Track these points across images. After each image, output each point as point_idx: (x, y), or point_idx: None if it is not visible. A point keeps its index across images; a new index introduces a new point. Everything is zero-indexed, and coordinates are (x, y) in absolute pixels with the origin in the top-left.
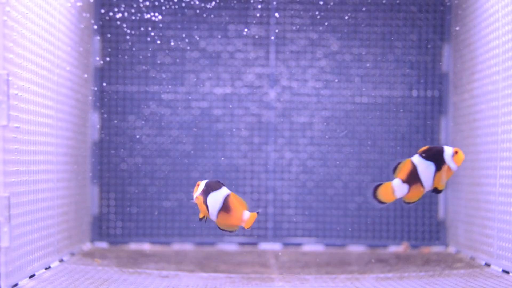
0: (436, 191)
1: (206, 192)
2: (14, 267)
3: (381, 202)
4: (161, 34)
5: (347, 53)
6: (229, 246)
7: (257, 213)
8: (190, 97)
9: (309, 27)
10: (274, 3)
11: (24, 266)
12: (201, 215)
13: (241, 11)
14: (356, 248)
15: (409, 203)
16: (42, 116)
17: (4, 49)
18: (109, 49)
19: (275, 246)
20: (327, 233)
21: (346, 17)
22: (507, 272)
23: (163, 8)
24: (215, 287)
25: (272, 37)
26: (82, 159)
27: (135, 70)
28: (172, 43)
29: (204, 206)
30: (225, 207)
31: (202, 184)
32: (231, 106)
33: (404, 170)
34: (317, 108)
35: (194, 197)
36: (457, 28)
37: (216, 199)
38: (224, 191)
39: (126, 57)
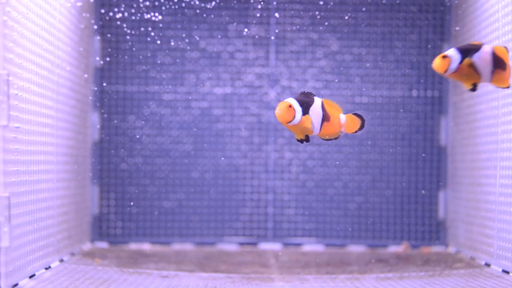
0: None
1: (305, 109)
2: (14, 267)
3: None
4: (161, 34)
5: (347, 53)
6: (229, 246)
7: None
8: (190, 97)
9: (309, 27)
10: (274, 3)
11: (24, 266)
12: (301, 136)
13: (241, 11)
14: (356, 248)
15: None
16: (42, 116)
17: (4, 49)
18: (109, 49)
19: (275, 246)
20: (327, 233)
21: (346, 17)
22: (507, 272)
23: (163, 8)
24: (215, 287)
25: (272, 37)
26: (82, 159)
27: (135, 70)
28: (172, 43)
29: (470, 71)
30: (325, 117)
31: (294, 103)
32: (231, 106)
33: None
34: None
35: (297, 119)
36: (457, 28)
37: (316, 112)
38: (318, 101)
39: (126, 57)
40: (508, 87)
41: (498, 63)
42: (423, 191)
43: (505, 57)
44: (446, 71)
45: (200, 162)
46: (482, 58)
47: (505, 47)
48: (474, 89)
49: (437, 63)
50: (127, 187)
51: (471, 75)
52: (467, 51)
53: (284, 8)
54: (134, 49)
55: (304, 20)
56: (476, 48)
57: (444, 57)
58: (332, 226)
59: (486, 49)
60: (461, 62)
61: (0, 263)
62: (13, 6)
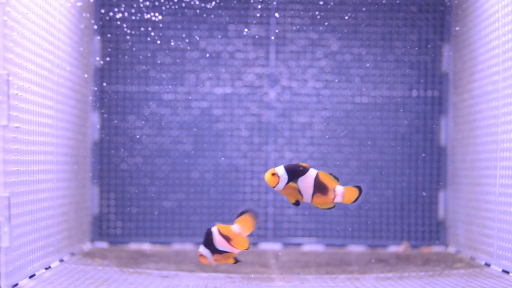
0: None
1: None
2: (14, 267)
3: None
4: (161, 34)
5: (347, 53)
6: None
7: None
8: (190, 97)
9: (309, 27)
10: (274, 3)
11: (24, 266)
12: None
13: (241, 11)
14: (356, 248)
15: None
16: (42, 116)
17: (4, 49)
18: (109, 49)
19: (275, 246)
20: (327, 233)
21: (346, 17)
22: (507, 272)
23: (163, 8)
24: (215, 287)
25: (272, 37)
26: (82, 159)
27: (135, 70)
28: (172, 43)
29: (294, 191)
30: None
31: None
32: (231, 106)
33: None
34: (317, 108)
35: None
36: (457, 28)
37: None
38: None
39: (126, 57)
40: (332, 207)
41: (319, 187)
42: (423, 193)
43: (327, 182)
44: (275, 186)
45: (200, 162)
46: (305, 182)
47: (331, 174)
48: (296, 204)
49: (267, 178)
50: (127, 187)
51: (295, 194)
52: (294, 173)
53: (284, 8)
54: (134, 49)
55: (304, 20)
56: (303, 171)
57: (274, 174)
58: (332, 226)
59: (311, 174)
60: (287, 182)
61: (0, 263)
62: (13, 6)
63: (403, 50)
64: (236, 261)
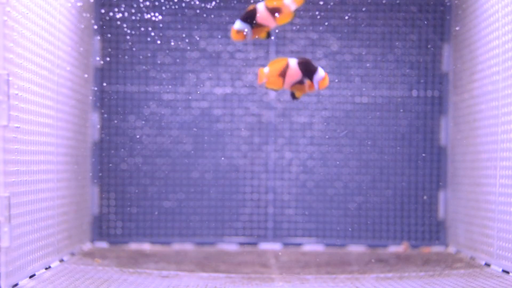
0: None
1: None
2: (14, 267)
3: None
4: (161, 34)
5: (347, 53)
6: (229, 246)
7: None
8: (190, 97)
9: (309, 27)
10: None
11: (24, 266)
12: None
13: (241, 11)
14: (356, 248)
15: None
16: (42, 116)
17: (4, 49)
18: (109, 49)
19: (275, 246)
20: (327, 233)
21: (346, 17)
22: (507, 272)
23: (163, 8)
24: (215, 287)
25: (272, 37)
26: (82, 159)
27: (135, 70)
28: (172, 43)
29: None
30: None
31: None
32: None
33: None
34: (317, 108)
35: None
36: (457, 28)
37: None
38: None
39: (126, 57)
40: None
41: None
42: (424, 197)
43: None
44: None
45: (200, 162)
46: None
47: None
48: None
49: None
50: (127, 187)
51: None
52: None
53: None
54: (134, 49)
55: (304, 20)
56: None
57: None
58: (332, 226)
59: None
60: None
61: (0, 263)
62: (13, 6)
63: (403, 50)
64: (268, 36)
